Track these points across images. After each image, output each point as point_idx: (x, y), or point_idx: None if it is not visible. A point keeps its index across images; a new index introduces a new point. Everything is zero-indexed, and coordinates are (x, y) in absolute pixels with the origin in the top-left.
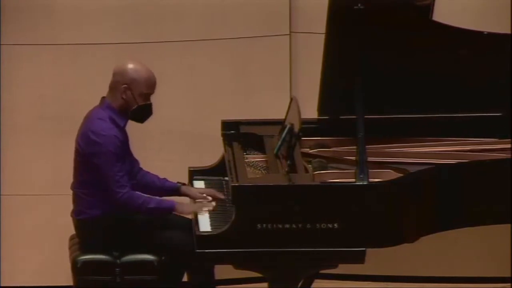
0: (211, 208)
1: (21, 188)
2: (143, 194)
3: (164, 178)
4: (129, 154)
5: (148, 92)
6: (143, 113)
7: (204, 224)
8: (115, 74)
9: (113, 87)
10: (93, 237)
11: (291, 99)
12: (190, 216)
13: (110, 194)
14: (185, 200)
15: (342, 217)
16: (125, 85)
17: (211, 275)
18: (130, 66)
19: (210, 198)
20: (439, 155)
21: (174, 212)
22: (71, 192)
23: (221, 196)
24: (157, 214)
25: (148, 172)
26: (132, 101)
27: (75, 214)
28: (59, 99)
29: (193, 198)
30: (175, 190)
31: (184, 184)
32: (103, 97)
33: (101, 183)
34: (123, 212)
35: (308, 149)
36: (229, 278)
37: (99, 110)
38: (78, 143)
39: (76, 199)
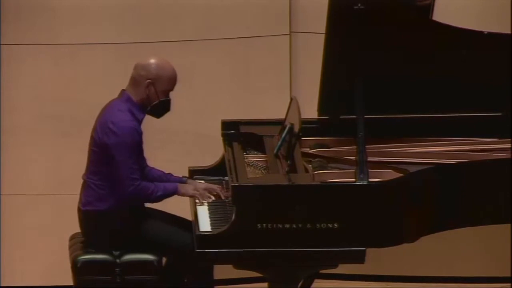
0: (210, 200)
1: (21, 188)
2: (150, 184)
3: (169, 173)
4: (142, 149)
5: (169, 89)
6: (162, 108)
7: (204, 224)
8: (139, 68)
9: (136, 81)
10: (96, 231)
11: (291, 99)
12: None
13: (122, 186)
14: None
15: (342, 217)
16: (149, 80)
17: (211, 275)
18: (155, 61)
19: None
20: (439, 155)
21: (177, 194)
22: (71, 192)
23: (222, 195)
24: (164, 198)
25: (153, 168)
26: (154, 96)
27: (82, 204)
28: (59, 99)
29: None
30: (181, 183)
31: (188, 177)
32: (123, 90)
33: (114, 174)
34: (131, 205)
35: (308, 149)
36: (229, 278)
37: (119, 102)
38: (95, 132)
39: (86, 189)
